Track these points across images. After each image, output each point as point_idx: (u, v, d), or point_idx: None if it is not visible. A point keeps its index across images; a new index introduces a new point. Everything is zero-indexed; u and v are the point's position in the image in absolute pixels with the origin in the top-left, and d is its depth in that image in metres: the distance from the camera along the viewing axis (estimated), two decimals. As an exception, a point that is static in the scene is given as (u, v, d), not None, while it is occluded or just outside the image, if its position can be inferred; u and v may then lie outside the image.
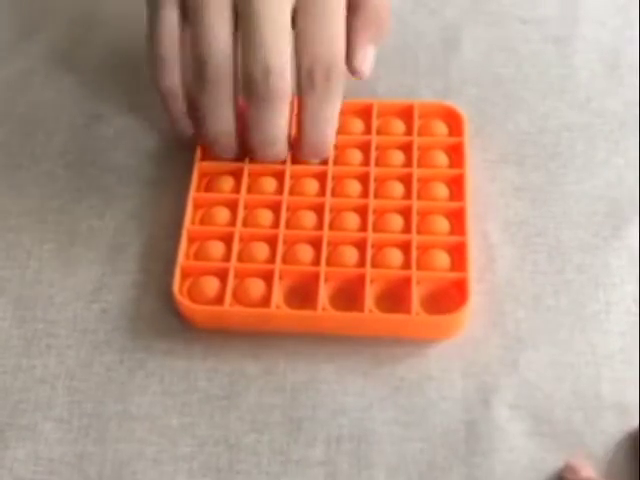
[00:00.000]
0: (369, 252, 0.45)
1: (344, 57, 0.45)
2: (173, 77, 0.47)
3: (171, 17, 0.46)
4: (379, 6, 0.48)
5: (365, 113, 0.50)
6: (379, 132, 0.50)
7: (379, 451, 0.40)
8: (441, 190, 0.47)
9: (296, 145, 0.48)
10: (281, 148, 0.47)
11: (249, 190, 0.47)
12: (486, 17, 0.57)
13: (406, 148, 0.49)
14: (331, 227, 0.46)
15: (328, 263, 0.44)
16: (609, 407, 0.41)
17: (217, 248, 0.45)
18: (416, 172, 0.48)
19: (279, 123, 0.45)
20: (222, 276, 0.44)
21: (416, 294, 0.43)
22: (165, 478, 0.40)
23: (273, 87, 0.44)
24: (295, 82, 0.45)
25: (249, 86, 0.44)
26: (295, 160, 0.48)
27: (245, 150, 0.48)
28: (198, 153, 0.49)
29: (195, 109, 0.47)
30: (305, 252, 0.45)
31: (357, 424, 0.41)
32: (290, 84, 0.44)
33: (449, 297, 0.44)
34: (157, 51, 0.46)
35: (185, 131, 0.49)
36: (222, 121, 0.46)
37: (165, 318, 0.45)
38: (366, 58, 0.48)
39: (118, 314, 0.45)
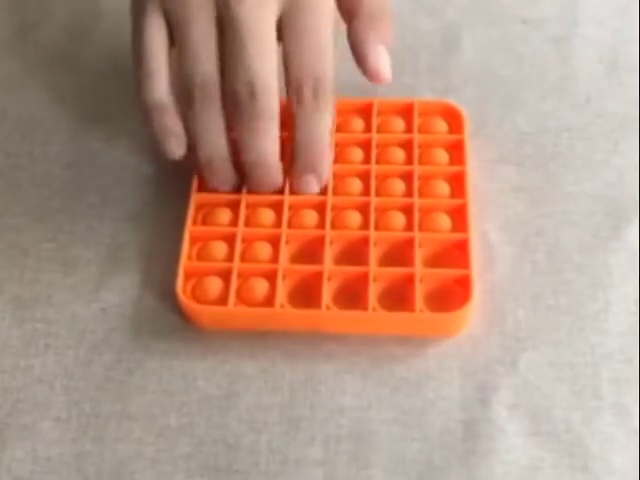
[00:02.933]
0: (372, 250, 0.45)
1: (332, 71, 0.44)
2: (161, 89, 0.44)
3: (157, 26, 0.44)
4: (375, 2, 0.46)
5: (365, 111, 0.50)
6: (379, 130, 0.50)
7: (377, 451, 0.40)
8: (442, 187, 0.47)
9: (291, 171, 0.46)
10: (273, 172, 0.45)
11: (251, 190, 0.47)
12: (486, 17, 0.57)
13: (407, 146, 0.49)
14: (333, 226, 0.46)
15: (331, 262, 0.45)
16: (609, 407, 0.41)
17: (220, 248, 0.45)
18: (417, 170, 0.48)
19: (268, 143, 0.44)
20: (225, 276, 0.44)
21: (419, 292, 0.43)
22: (163, 478, 0.40)
23: (259, 105, 0.42)
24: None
25: (235, 104, 0.43)
26: (293, 191, 0.47)
27: (242, 181, 0.47)
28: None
29: (188, 135, 0.45)
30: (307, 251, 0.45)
31: (355, 424, 0.41)
32: (277, 102, 0.43)
33: (452, 294, 0.43)
34: (143, 62, 0.44)
35: (174, 149, 0.45)
36: (213, 144, 0.44)
37: (164, 318, 0.45)
38: (380, 57, 0.45)
39: (117, 314, 0.45)
